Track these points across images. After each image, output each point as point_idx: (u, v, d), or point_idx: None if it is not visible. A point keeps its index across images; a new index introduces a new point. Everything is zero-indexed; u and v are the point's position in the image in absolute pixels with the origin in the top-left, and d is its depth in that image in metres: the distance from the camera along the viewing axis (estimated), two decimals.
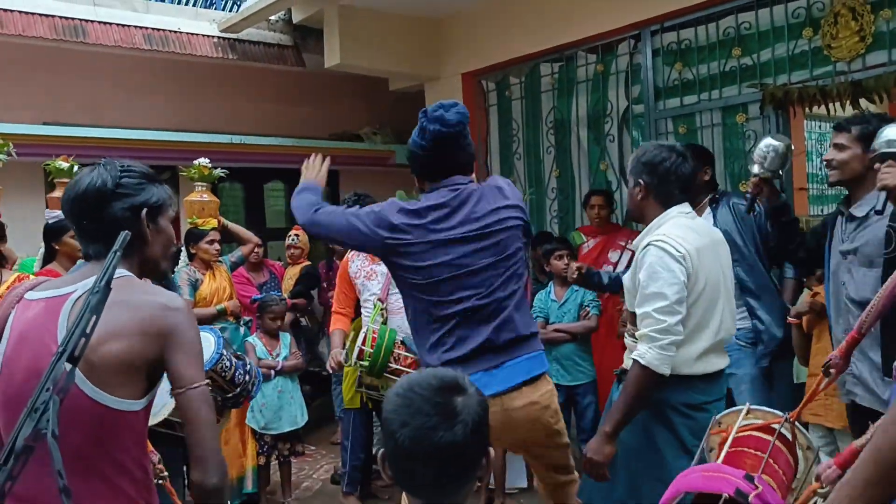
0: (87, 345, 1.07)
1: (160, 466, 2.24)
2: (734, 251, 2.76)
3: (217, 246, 4.31)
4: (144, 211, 1.53)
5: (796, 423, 1.88)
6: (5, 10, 5.09)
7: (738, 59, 4.27)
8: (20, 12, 5.13)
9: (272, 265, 5.45)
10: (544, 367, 2.49)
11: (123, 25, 5.54)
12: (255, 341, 4.25)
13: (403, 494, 2.45)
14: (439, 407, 1.18)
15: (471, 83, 5.70)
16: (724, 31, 4.32)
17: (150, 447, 2.02)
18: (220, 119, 6.30)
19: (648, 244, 2.30)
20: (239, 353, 3.00)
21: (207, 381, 1.47)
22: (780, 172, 3.04)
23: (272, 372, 4.15)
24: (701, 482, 1.59)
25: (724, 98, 4.37)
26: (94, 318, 1.08)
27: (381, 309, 3.65)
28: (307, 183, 2.70)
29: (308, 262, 5.54)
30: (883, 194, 2.31)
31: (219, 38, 5.98)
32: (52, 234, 3.39)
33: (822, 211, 6.51)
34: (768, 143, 2.99)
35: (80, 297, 1.43)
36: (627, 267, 3.38)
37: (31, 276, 2.88)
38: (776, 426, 1.83)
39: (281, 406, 4.18)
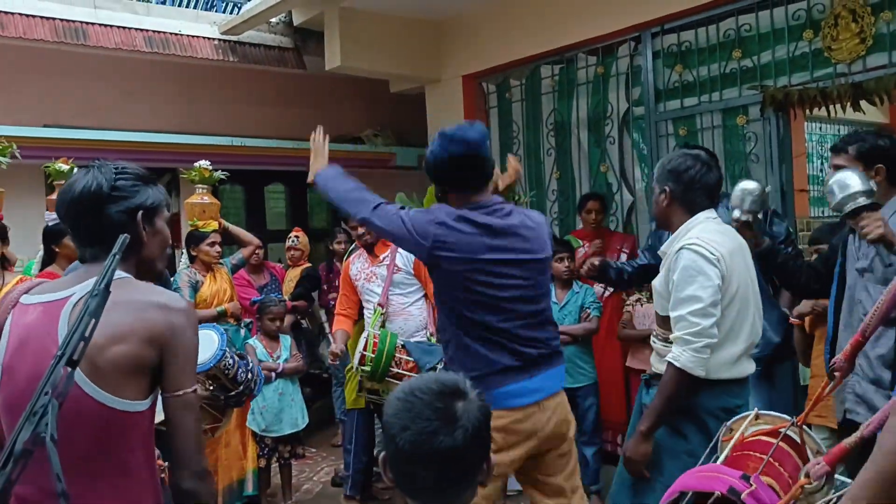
0: (85, 348, 1.07)
1: (159, 461, 2.24)
2: None
3: (218, 248, 4.31)
4: (140, 213, 1.53)
5: (804, 427, 1.87)
6: (6, 13, 5.09)
7: (739, 60, 4.27)
8: (21, 15, 5.13)
9: (273, 267, 5.45)
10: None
11: (124, 28, 5.54)
12: (256, 343, 4.25)
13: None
14: (440, 412, 1.18)
15: (471, 85, 5.70)
16: (725, 33, 4.32)
17: None
18: (221, 121, 6.31)
19: (682, 247, 2.32)
20: (241, 353, 3.01)
21: (195, 387, 1.48)
22: (760, 216, 2.99)
23: (273, 374, 4.15)
24: (695, 482, 1.59)
25: (724, 100, 4.37)
26: (92, 321, 1.08)
27: (381, 313, 3.65)
28: (331, 169, 2.70)
29: (308, 264, 5.55)
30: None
31: (219, 40, 5.98)
32: (51, 236, 3.39)
33: (822, 212, 6.50)
34: (743, 187, 2.90)
35: (80, 299, 1.43)
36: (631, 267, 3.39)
37: (34, 279, 2.88)
38: (783, 430, 1.82)
39: (281, 408, 4.18)
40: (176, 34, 5.78)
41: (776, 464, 1.71)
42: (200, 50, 5.86)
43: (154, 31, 5.67)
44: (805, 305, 3.14)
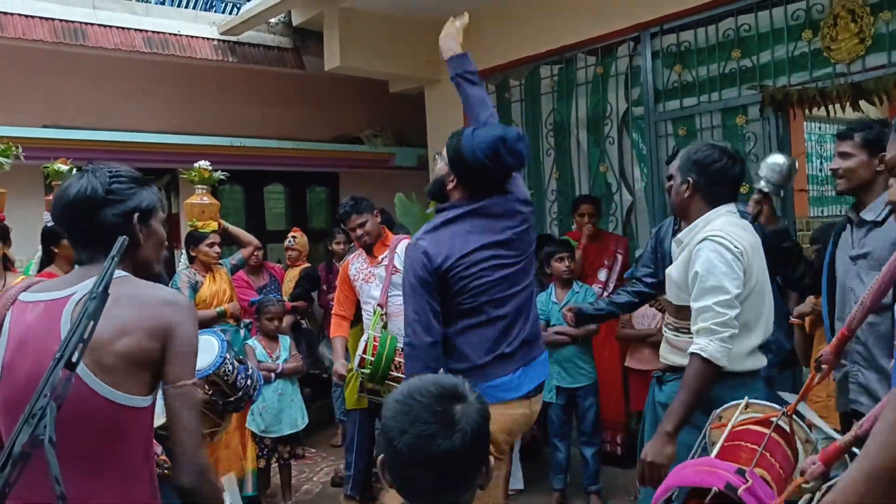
0: (84, 350, 1.07)
1: (163, 457, 2.25)
2: None
3: (217, 249, 4.30)
4: (136, 215, 1.53)
5: (794, 416, 1.88)
6: (5, 14, 5.09)
7: (738, 60, 4.27)
8: (20, 15, 5.13)
9: (272, 268, 5.45)
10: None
11: (123, 28, 5.54)
12: (255, 344, 4.25)
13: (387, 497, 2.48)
14: (438, 415, 1.17)
15: None
16: (724, 34, 4.32)
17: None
18: (220, 122, 6.30)
19: (705, 238, 2.30)
20: (241, 357, 3.01)
21: (194, 381, 1.48)
22: (782, 192, 3.04)
23: (272, 375, 4.15)
24: (692, 476, 1.59)
25: (723, 100, 4.37)
26: (91, 323, 1.08)
27: (381, 314, 3.64)
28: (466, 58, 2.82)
29: (308, 265, 5.55)
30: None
31: (219, 40, 5.98)
32: (50, 237, 3.39)
33: (822, 212, 6.51)
34: (775, 159, 3.00)
35: (81, 298, 1.43)
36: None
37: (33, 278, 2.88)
38: (773, 419, 1.83)
39: (281, 409, 4.17)
40: (175, 35, 5.78)
41: (767, 454, 1.72)
42: (200, 50, 5.86)
43: (153, 32, 5.67)
44: (806, 305, 3.14)
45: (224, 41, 6.00)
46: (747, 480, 1.49)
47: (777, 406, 1.93)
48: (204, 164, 4.43)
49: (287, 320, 4.89)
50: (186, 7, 6.47)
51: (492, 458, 1.26)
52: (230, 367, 2.70)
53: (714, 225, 2.35)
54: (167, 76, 6.11)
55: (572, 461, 4.14)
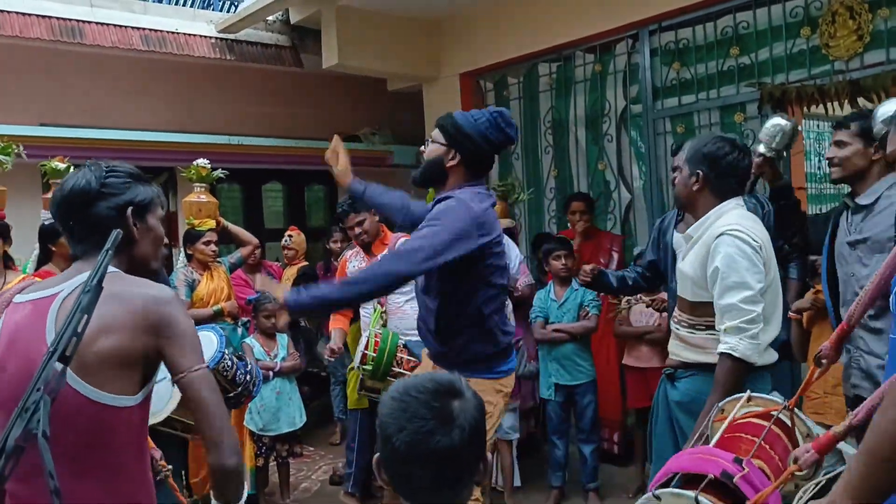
0: (78, 344, 1.06)
1: (162, 462, 2.24)
2: None
3: (213, 247, 4.30)
4: (130, 209, 1.53)
5: (796, 410, 1.88)
6: (2, 12, 5.07)
7: (736, 58, 4.27)
8: (17, 13, 5.11)
9: (270, 266, 5.45)
10: None
11: (121, 26, 5.53)
12: (253, 342, 4.24)
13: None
14: (436, 411, 1.17)
15: (469, 83, 5.69)
16: (722, 31, 4.32)
17: (152, 444, 2.01)
18: (218, 120, 6.29)
19: (723, 233, 2.27)
20: (239, 353, 3.01)
21: (203, 365, 1.46)
22: (784, 154, 3.04)
23: (270, 373, 4.14)
24: (689, 463, 1.59)
25: (722, 97, 4.37)
26: (85, 317, 1.08)
27: (381, 313, 3.65)
28: (312, 291, 2.40)
29: (305, 263, 5.54)
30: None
31: (216, 38, 5.97)
32: (47, 235, 3.38)
33: (820, 209, 6.50)
34: (776, 122, 2.99)
35: (67, 296, 1.43)
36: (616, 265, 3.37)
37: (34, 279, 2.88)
38: (774, 413, 1.83)
39: (279, 407, 4.17)
40: (173, 32, 5.77)
41: (767, 447, 1.72)
42: (197, 48, 5.85)
43: (151, 30, 5.66)
44: (805, 301, 3.14)
45: (222, 39, 5.99)
46: (744, 469, 1.49)
47: (779, 400, 1.93)
48: (202, 162, 4.43)
49: (285, 318, 4.87)
50: (184, 5, 6.46)
51: (489, 455, 1.26)
52: (229, 363, 2.70)
53: (728, 219, 2.32)
54: (165, 74, 6.10)
55: (570, 458, 4.14)
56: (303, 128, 6.69)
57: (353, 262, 3.90)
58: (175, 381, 1.44)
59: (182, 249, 4.48)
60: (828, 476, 1.52)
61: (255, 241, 4.76)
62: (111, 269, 1.47)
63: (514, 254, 3.95)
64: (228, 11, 6.18)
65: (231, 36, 5.99)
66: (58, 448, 1.31)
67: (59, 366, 1.02)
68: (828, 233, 2.71)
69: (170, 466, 2.26)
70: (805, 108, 4.07)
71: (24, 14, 5.14)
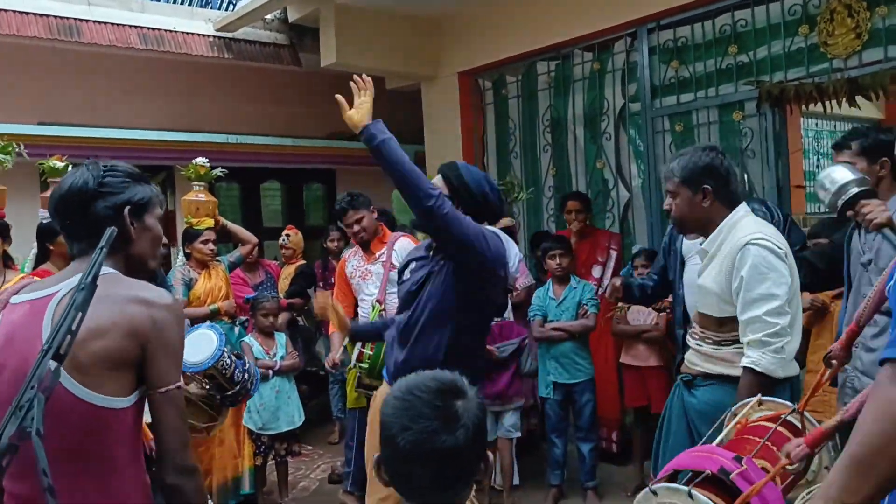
0: (72, 342, 1.06)
1: None
2: None
3: (211, 246, 4.29)
4: (128, 209, 1.52)
5: (805, 413, 1.87)
6: (0, 10, 5.07)
7: (735, 56, 4.27)
8: (15, 12, 5.11)
9: (268, 265, 5.44)
10: None
11: (118, 25, 5.52)
12: (252, 341, 4.24)
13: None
14: (440, 410, 1.17)
15: (467, 82, 5.69)
16: (721, 29, 4.31)
17: (151, 444, 2.01)
18: (216, 118, 6.29)
19: (748, 243, 2.20)
20: (238, 352, 3.00)
21: (179, 383, 1.46)
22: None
23: (269, 372, 4.14)
24: (688, 461, 1.60)
25: (720, 96, 4.36)
26: (79, 315, 1.07)
27: (380, 310, 3.64)
28: (383, 127, 2.56)
29: (303, 262, 5.54)
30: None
31: (214, 37, 5.96)
32: (45, 234, 3.38)
33: (818, 209, 6.50)
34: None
35: (64, 295, 1.42)
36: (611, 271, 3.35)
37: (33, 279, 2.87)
38: (783, 415, 1.83)
39: (278, 406, 4.16)
40: (171, 31, 5.76)
41: (773, 447, 1.71)
42: (195, 47, 5.84)
43: (149, 28, 5.66)
44: (804, 302, 3.13)
45: (220, 38, 5.98)
46: (742, 466, 1.49)
47: (790, 403, 1.91)
48: (201, 160, 4.42)
49: (283, 317, 4.88)
50: (182, 3, 6.45)
51: (490, 455, 1.26)
52: (228, 361, 2.70)
53: (748, 228, 2.25)
54: (163, 73, 6.10)
55: (569, 457, 4.14)
56: (301, 126, 6.68)
57: (352, 262, 3.90)
58: (147, 396, 1.45)
59: (180, 248, 4.47)
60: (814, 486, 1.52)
61: (255, 239, 4.76)
62: (109, 270, 1.47)
63: (514, 253, 3.95)
64: (227, 10, 6.17)
65: (229, 34, 5.99)
66: (52, 446, 1.31)
67: (52, 364, 1.02)
68: (846, 257, 2.65)
69: None
70: (803, 107, 4.08)
71: (21, 12, 5.14)
